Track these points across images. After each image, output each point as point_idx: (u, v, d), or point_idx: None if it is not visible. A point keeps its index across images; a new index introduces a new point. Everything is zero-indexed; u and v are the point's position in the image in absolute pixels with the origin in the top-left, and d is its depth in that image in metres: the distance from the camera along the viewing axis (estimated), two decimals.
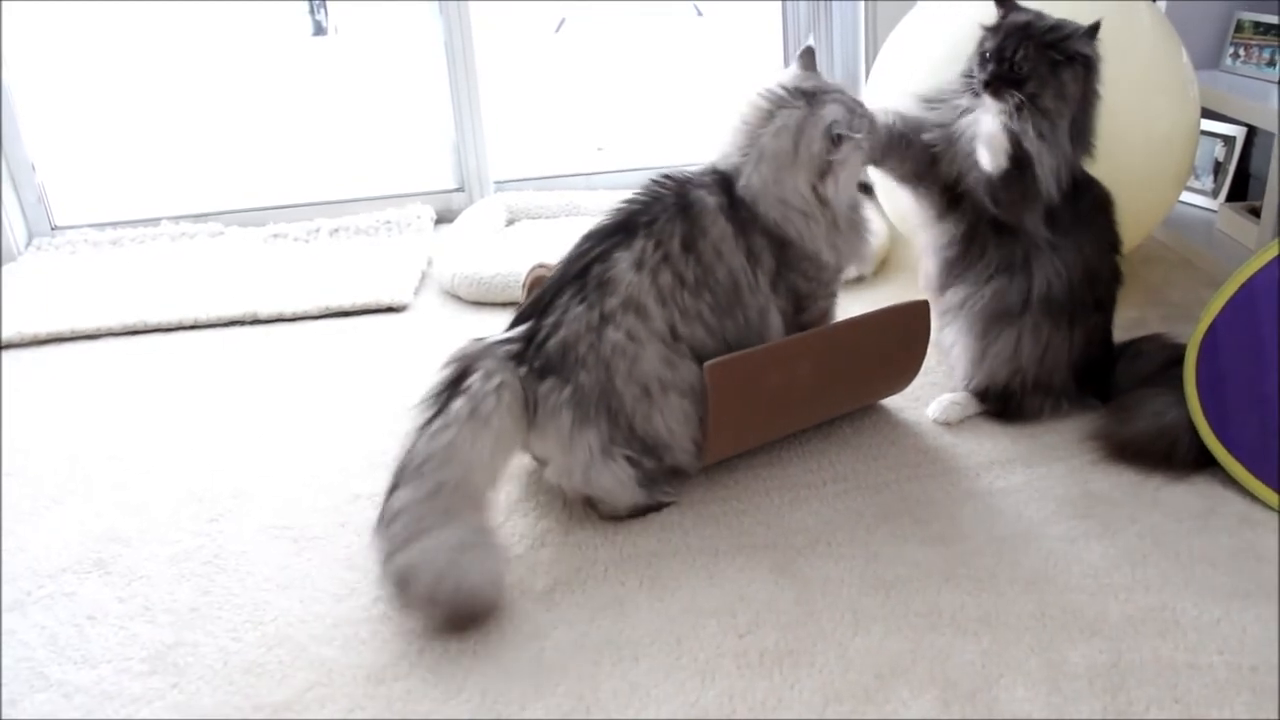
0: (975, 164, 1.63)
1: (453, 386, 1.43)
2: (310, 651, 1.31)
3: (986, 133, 1.61)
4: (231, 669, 1.29)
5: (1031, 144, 1.61)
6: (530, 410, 1.46)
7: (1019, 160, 1.61)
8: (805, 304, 1.63)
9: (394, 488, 1.36)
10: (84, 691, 1.27)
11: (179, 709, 1.24)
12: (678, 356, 1.51)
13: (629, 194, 1.59)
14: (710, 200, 1.55)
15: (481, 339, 1.51)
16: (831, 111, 1.56)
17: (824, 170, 1.56)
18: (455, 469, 1.37)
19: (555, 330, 1.48)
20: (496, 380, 1.43)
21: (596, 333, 1.47)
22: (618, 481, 1.49)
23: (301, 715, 1.22)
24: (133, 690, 1.27)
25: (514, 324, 1.54)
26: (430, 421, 1.40)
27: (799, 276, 1.60)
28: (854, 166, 1.60)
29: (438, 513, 1.33)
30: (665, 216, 1.54)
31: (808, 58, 1.64)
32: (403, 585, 1.31)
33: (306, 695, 1.24)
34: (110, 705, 1.25)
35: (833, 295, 1.69)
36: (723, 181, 1.58)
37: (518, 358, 1.48)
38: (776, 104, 1.58)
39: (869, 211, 1.71)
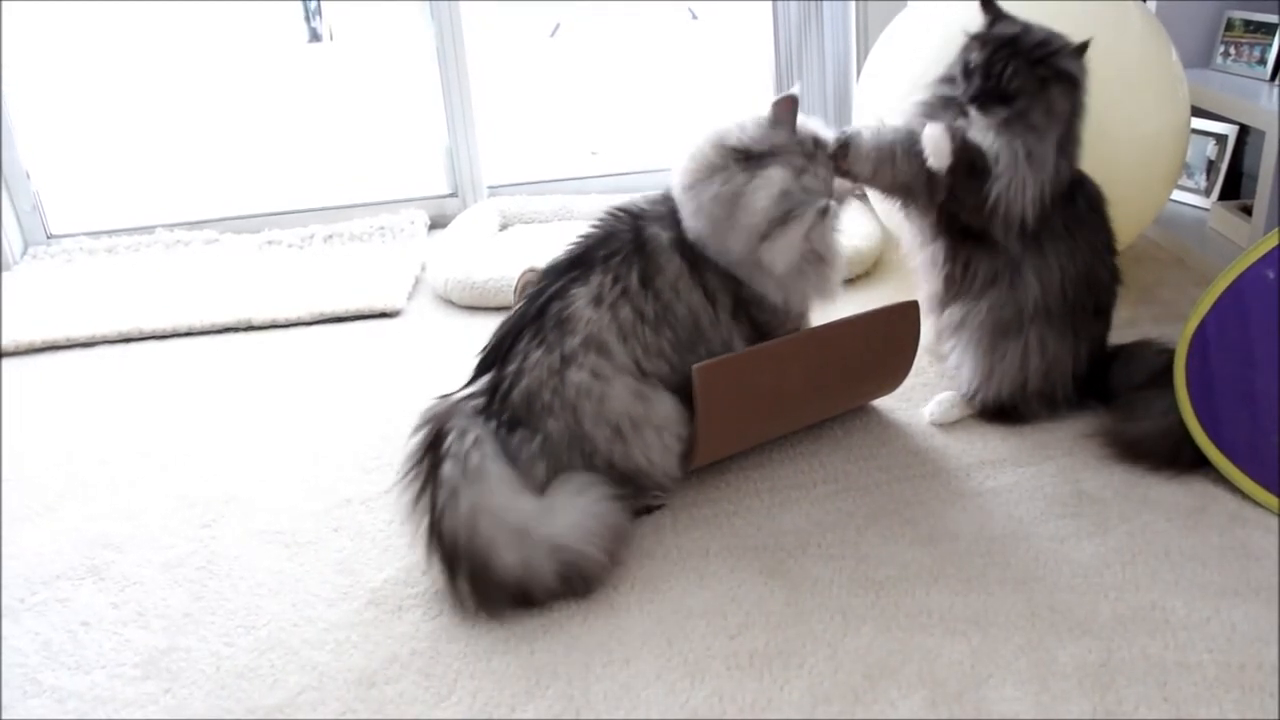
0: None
1: (432, 450, 1.40)
2: (302, 656, 1.32)
3: (928, 135, 1.59)
4: (224, 674, 1.30)
5: (987, 149, 1.60)
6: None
7: (971, 166, 1.60)
8: (766, 333, 1.59)
9: (455, 570, 1.35)
10: (77, 697, 1.27)
11: (172, 713, 1.24)
12: (649, 389, 1.49)
13: (584, 227, 1.58)
14: (664, 236, 1.54)
15: (446, 396, 1.49)
16: (772, 181, 1.51)
17: (763, 237, 1.51)
18: (498, 518, 1.36)
19: (518, 379, 1.46)
20: (472, 436, 1.41)
21: (559, 376, 1.45)
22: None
23: (293, 719, 1.22)
24: (126, 695, 1.27)
25: (477, 372, 1.52)
26: (423, 491, 1.37)
27: (756, 310, 1.58)
28: (793, 236, 1.52)
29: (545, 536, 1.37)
30: (623, 253, 1.52)
31: (782, 108, 1.55)
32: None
33: (299, 699, 1.25)
34: (103, 710, 1.25)
35: (801, 315, 1.65)
36: (674, 214, 1.56)
37: (484, 412, 1.46)
38: (723, 165, 1.53)
39: (836, 247, 1.62)
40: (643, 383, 1.49)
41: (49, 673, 1.32)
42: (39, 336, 2.29)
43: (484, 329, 2.22)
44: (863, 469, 1.63)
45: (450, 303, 2.41)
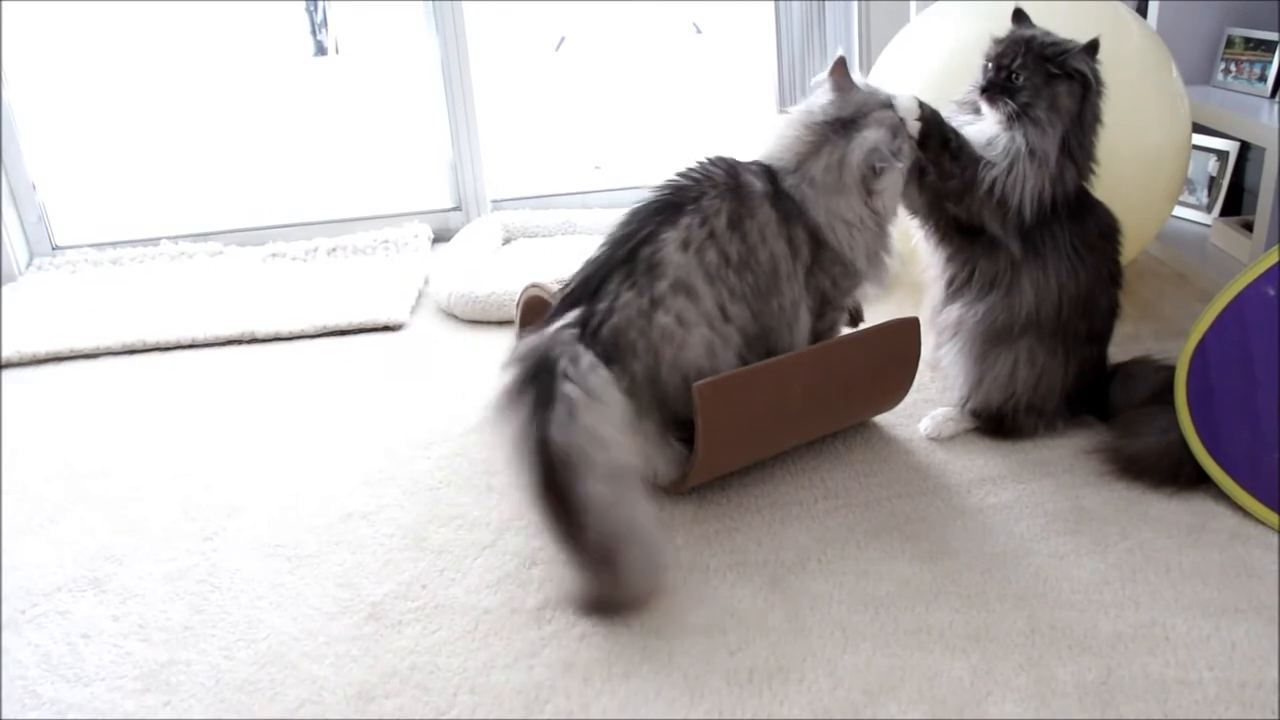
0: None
1: (538, 377, 1.38)
2: (302, 669, 1.32)
3: (900, 100, 1.65)
4: (224, 687, 1.30)
5: (990, 140, 1.66)
6: None
7: (945, 141, 1.66)
8: (824, 310, 1.66)
9: (550, 483, 1.31)
10: (77, 709, 1.27)
11: None
12: (721, 342, 1.53)
13: (679, 170, 1.61)
14: (758, 185, 1.59)
15: (536, 330, 1.48)
16: (870, 139, 1.60)
17: (870, 190, 1.61)
18: (606, 451, 1.34)
19: (609, 316, 1.49)
20: (588, 359, 1.41)
21: (647, 317, 1.49)
22: (670, 463, 1.56)
23: None
24: (125, 708, 1.27)
25: (561, 308, 1.52)
26: (537, 413, 1.34)
27: (827, 279, 1.64)
28: (896, 183, 1.65)
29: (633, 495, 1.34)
30: (714, 193, 1.56)
31: (838, 74, 1.66)
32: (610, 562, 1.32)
33: (298, 713, 1.25)
34: None
35: (843, 309, 1.71)
36: (769, 172, 1.62)
37: (580, 340, 1.48)
38: (822, 138, 1.62)
39: (894, 234, 1.73)
40: (719, 332, 1.53)
41: (48, 685, 1.32)
42: (43, 347, 2.30)
43: (486, 343, 2.25)
44: (863, 485, 1.64)
45: (453, 317, 2.42)
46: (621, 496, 1.32)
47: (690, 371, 1.51)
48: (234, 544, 1.59)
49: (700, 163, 1.62)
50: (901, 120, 1.65)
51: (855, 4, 2.90)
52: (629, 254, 1.52)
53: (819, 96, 1.66)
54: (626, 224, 1.57)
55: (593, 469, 1.31)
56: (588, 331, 1.48)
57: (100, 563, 1.56)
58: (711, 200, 1.55)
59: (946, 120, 1.69)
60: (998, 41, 1.69)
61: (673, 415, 1.54)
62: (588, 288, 1.52)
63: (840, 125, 1.62)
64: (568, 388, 1.36)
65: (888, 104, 1.65)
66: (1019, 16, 1.72)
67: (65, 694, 1.30)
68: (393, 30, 6.13)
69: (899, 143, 1.63)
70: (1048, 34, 1.67)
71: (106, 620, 1.43)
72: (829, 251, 1.62)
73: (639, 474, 1.39)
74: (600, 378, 1.40)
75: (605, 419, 1.36)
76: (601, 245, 1.57)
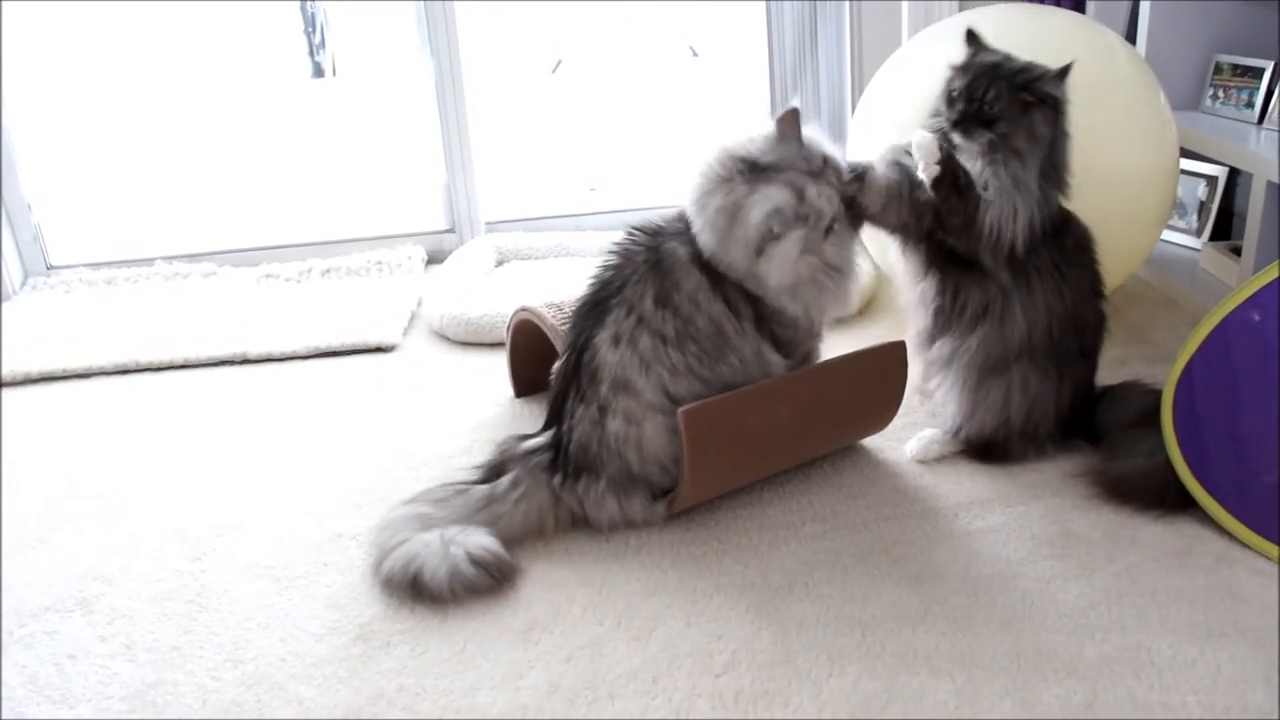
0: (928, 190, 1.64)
1: (491, 475, 1.61)
2: (289, 690, 1.32)
3: (919, 140, 1.61)
4: (210, 708, 1.30)
5: (975, 177, 1.62)
6: (576, 508, 1.59)
7: (956, 180, 1.61)
8: (788, 350, 1.64)
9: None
10: None
11: None
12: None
13: (605, 252, 1.63)
14: (683, 251, 1.57)
15: (524, 438, 1.63)
16: (775, 197, 1.51)
17: (759, 250, 1.53)
18: (444, 513, 1.54)
19: (571, 435, 1.57)
20: (519, 491, 1.57)
21: (600, 426, 1.55)
22: (658, 514, 1.61)
23: None
24: None
25: (545, 426, 1.64)
26: (460, 485, 1.60)
27: (775, 324, 1.61)
28: (788, 252, 1.54)
29: (414, 528, 1.53)
30: (636, 277, 1.56)
31: (786, 122, 1.55)
32: (375, 568, 1.52)
33: None
34: None
35: (816, 336, 1.70)
36: (690, 230, 1.58)
37: (551, 467, 1.59)
38: (728, 176, 1.54)
39: (852, 259, 1.66)
40: (673, 415, 1.53)
41: (34, 706, 1.31)
42: (36, 367, 2.30)
43: (478, 365, 2.26)
44: (851, 508, 1.64)
45: (445, 338, 2.42)
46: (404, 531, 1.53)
47: (665, 458, 1.56)
48: (223, 564, 1.59)
49: (623, 239, 1.62)
50: (820, 174, 1.56)
51: (847, 27, 2.92)
52: (575, 366, 1.58)
53: (752, 133, 1.56)
54: (570, 328, 1.62)
55: (414, 506, 1.57)
56: (560, 453, 1.59)
57: (89, 583, 1.56)
58: (635, 286, 1.56)
59: (956, 159, 1.63)
60: (963, 70, 1.66)
61: (660, 489, 1.59)
62: (555, 408, 1.61)
63: (751, 169, 1.53)
64: (481, 489, 1.58)
65: (822, 167, 1.56)
66: (973, 38, 1.69)
67: (52, 715, 1.30)
68: (390, 53, 6.15)
69: (805, 208, 1.53)
70: (1010, 58, 1.65)
71: (94, 641, 1.43)
72: (762, 303, 1.58)
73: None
74: (511, 510, 1.56)
75: (473, 518, 1.54)
76: (562, 351, 1.64)
